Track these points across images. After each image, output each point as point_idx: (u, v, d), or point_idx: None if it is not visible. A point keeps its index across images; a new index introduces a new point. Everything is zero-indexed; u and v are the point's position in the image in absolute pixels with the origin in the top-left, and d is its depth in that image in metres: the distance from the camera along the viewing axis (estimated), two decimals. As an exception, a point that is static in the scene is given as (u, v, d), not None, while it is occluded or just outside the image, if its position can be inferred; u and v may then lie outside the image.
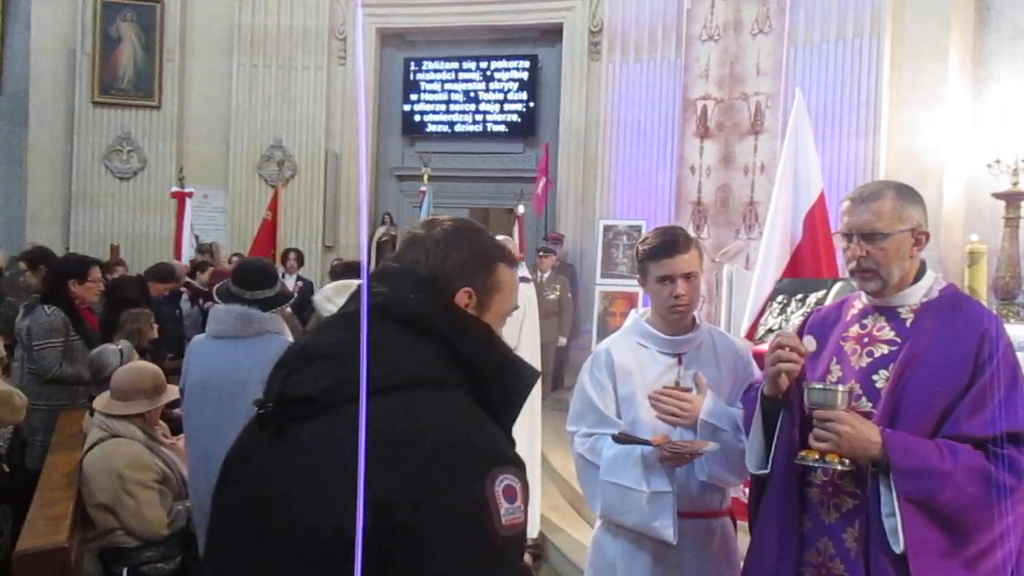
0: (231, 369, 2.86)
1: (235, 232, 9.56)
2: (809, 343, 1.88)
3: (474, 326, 1.27)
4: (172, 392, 3.40)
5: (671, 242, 2.19)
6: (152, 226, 9.44)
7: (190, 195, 8.32)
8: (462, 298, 1.29)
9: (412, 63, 9.88)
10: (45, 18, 9.48)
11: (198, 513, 2.94)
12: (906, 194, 1.89)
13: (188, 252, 8.25)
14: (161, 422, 3.47)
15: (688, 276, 2.18)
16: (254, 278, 3.08)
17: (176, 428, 3.89)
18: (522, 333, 4.72)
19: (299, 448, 1.15)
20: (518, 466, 1.18)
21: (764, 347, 2.48)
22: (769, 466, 1.94)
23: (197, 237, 8.71)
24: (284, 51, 9.54)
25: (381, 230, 9.76)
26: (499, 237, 5.12)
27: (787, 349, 1.85)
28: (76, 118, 9.43)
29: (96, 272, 4.17)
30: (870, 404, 1.82)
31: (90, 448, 3.14)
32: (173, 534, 3.10)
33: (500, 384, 1.26)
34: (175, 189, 8.47)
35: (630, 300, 7.60)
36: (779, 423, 1.93)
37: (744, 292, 4.23)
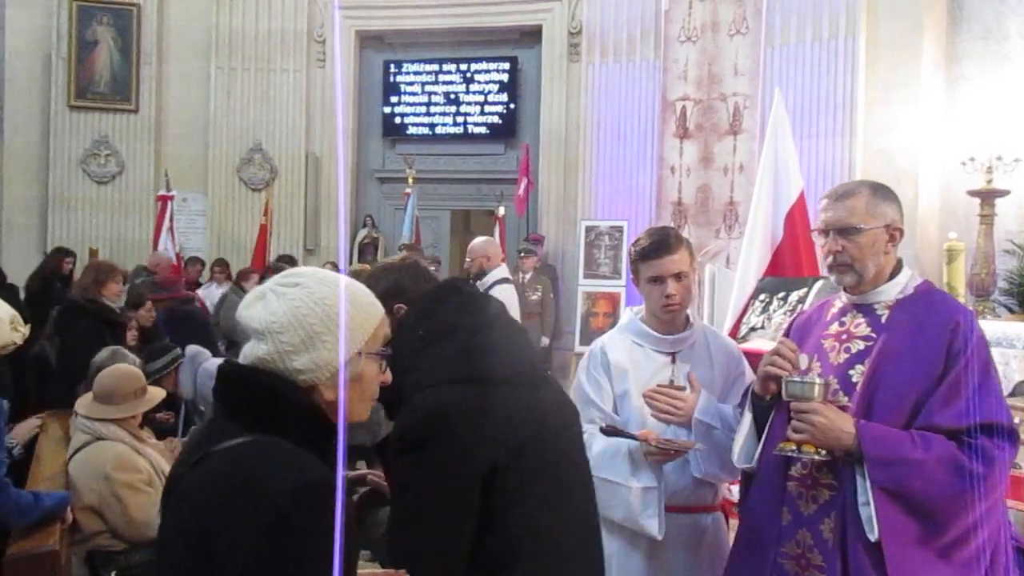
0: None
1: (214, 236, 9.51)
2: (803, 360, 1.93)
3: None
4: (157, 395, 3.39)
5: (661, 243, 2.23)
6: (131, 230, 9.36)
7: (171, 198, 8.29)
8: None
9: (392, 65, 9.87)
10: (20, 22, 9.35)
11: None
12: (880, 192, 1.96)
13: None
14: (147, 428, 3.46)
15: (678, 276, 2.21)
16: None
17: (160, 432, 3.89)
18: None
19: None
20: None
21: (747, 346, 2.52)
22: (755, 461, 1.98)
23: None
24: (262, 54, 9.49)
25: (363, 232, 9.74)
26: (481, 239, 5.16)
27: (782, 358, 1.91)
28: (52, 122, 9.32)
29: None
30: (846, 398, 1.87)
31: (75, 452, 3.12)
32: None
33: None
34: (162, 192, 8.44)
35: (612, 301, 7.65)
36: (769, 421, 1.97)
37: (726, 291, 4.28)
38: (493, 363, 1.58)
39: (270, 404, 1.27)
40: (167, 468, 3.26)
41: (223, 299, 7.28)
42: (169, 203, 8.39)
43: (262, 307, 1.30)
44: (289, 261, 8.06)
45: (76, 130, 9.36)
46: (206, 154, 9.52)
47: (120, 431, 3.16)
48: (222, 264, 8.56)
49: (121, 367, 3.44)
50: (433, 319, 1.63)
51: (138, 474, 3.08)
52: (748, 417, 2.02)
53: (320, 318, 1.28)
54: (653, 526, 2.09)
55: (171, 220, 8.41)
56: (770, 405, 1.97)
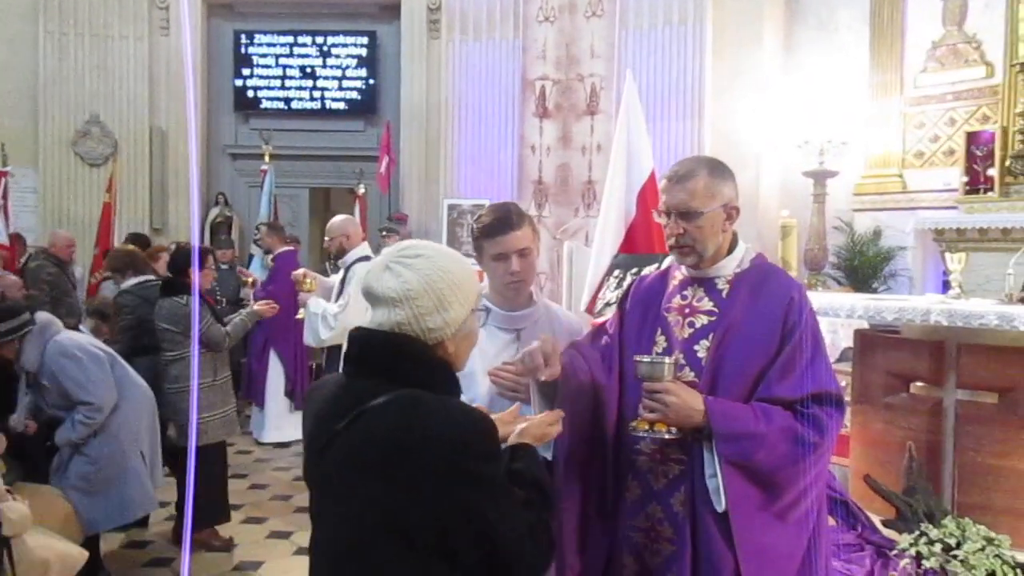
0: None
1: (49, 214, 8.78)
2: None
3: None
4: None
5: (504, 220, 2.19)
6: (-52, 209, 8.49)
7: (5, 174, 7.62)
8: None
9: (243, 36, 9.41)
10: None
11: None
12: (717, 171, 1.98)
13: None
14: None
15: (522, 252, 2.18)
16: None
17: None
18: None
19: None
20: None
21: (603, 319, 2.58)
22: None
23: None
24: (98, 18, 8.80)
25: (215, 211, 9.30)
26: (340, 217, 5.00)
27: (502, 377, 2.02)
28: None
29: (211, 259, 4.61)
30: (692, 373, 1.92)
31: None
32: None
33: None
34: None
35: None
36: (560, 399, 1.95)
37: (584, 268, 4.37)
38: None
39: (412, 361, 1.49)
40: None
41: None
42: (3, 180, 7.71)
43: (392, 277, 1.51)
44: (140, 239, 7.57)
45: None
46: (36, 126, 8.76)
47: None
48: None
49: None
50: None
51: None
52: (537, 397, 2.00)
53: (447, 283, 1.51)
54: None
55: (4, 198, 7.73)
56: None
